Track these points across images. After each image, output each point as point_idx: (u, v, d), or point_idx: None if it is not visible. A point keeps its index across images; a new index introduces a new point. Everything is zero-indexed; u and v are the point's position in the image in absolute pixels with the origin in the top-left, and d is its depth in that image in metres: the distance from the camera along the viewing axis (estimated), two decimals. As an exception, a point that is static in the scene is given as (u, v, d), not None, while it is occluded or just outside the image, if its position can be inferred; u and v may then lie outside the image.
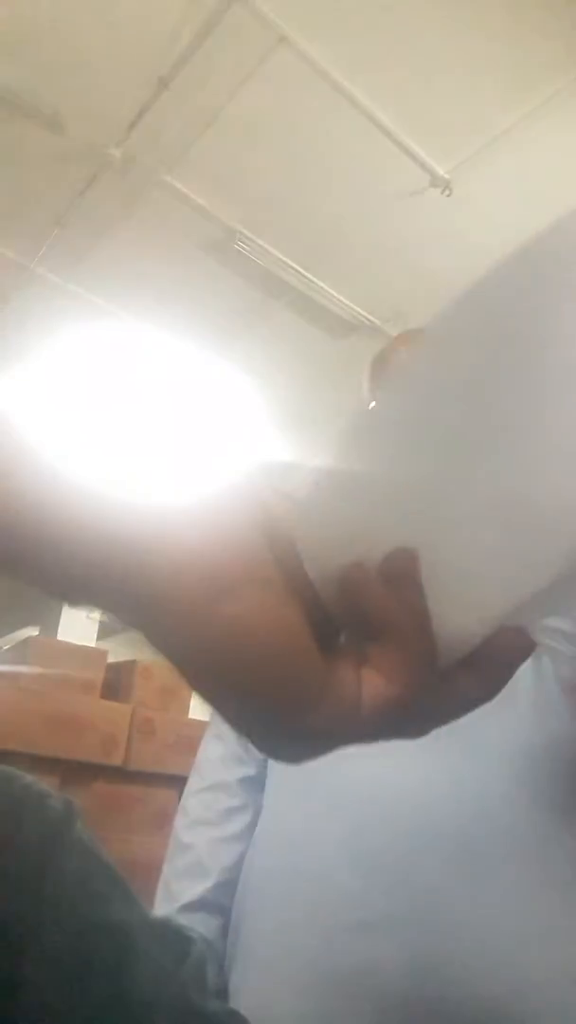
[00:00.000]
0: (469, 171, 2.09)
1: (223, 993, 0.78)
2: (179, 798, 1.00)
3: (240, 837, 0.91)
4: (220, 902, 0.88)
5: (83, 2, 1.71)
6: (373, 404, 0.38)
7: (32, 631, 5.63)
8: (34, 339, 2.93)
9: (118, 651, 3.73)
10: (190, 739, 1.94)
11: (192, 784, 0.97)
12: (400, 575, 0.31)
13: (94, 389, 3.22)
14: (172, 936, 0.47)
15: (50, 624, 5.39)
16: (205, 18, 1.72)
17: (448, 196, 2.14)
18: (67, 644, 2.99)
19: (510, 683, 0.32)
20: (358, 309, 2.69)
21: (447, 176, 2.10)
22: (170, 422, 3.42)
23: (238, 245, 2.40)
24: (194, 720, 2.36)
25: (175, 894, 0.89)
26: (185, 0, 1.69)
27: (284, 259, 2.48)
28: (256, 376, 3.07)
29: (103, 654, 2.64)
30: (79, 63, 1.86)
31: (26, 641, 2.94)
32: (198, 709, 2.34)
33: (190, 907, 0.89)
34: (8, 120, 1.99)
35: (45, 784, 0.50)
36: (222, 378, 3.12)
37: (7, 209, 2.35)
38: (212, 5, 1.69)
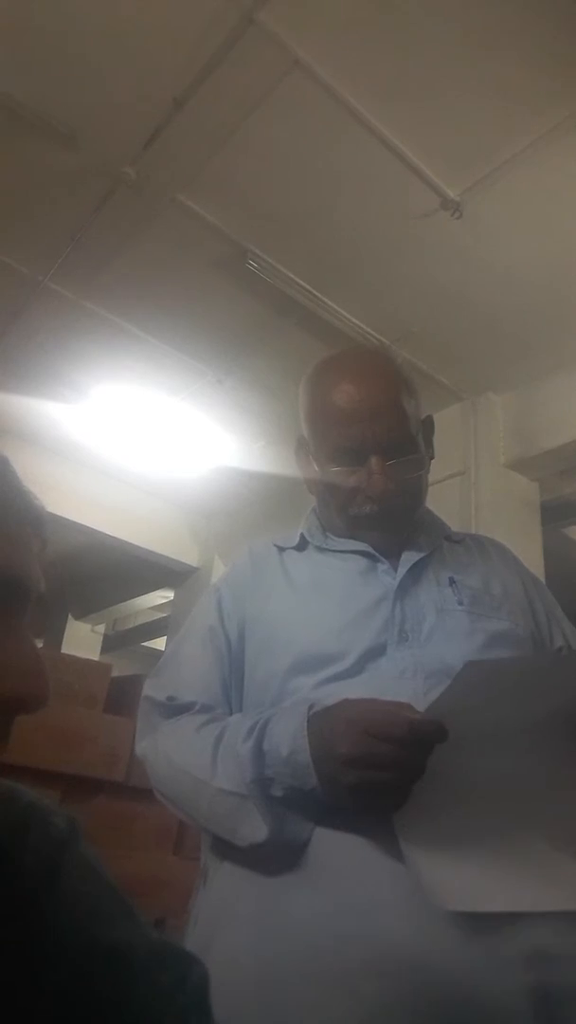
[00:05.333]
0: (479, 194, 2.11)
1: None
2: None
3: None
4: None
5: (100, 23, 1.74)
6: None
7: (36, 644, 5.62)
8: (45, 353, 2.95)
9: (122, 665, 3.73)
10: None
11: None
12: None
13: (105, 404, 3.24)
14: (173, 958, 0.47)
15: (55, 637, 5.39)
16: (220, 41, 1.75)
17: (458, 218, 2.16)
18: (71, 657, 2.98)
19: None
20: (368, 329, 2.70)
21: (457, 199, 2.12)
22: (176, 437, 3.44)
23: (249, 264, 2.42)
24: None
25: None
26: (201, 23, 1.72)
27: (294, 278, 2.49)
28: (266, 393, 3.09)
29: (107, 668, 2.63)
30: (95, 83, 1.88)
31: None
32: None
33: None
34: (24, 137, 2.02)
35: (47, 800, 0.50)
36: (230, 395, 3.14)
37: (22, 225, 2.38)
38: (227, 28, 1.72)
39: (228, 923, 0.82)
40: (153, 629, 5.64)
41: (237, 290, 2.57)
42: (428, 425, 1.10)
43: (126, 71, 1.85)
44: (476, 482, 2.88)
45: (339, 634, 0.94)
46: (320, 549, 1.08)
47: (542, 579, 2.54)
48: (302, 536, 1.10)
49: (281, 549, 1.10)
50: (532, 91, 1.83)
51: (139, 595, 4.93)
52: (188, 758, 0.88)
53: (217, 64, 1.80)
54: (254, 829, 0.79)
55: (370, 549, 1.04)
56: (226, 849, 0.86)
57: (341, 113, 1.89)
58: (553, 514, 3.04)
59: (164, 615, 5.27)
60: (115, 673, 2.60)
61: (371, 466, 0.99)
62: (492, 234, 2.26)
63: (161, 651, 4.04)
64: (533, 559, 2.72)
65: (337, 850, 0.80)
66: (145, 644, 5.82)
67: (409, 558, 1.03)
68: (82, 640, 5.41)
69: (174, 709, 0.96)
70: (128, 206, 2.24)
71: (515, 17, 1.67)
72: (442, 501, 2.78)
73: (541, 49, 1.74)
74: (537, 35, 1.70)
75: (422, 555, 1.04)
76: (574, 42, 1.71)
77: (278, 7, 1.67)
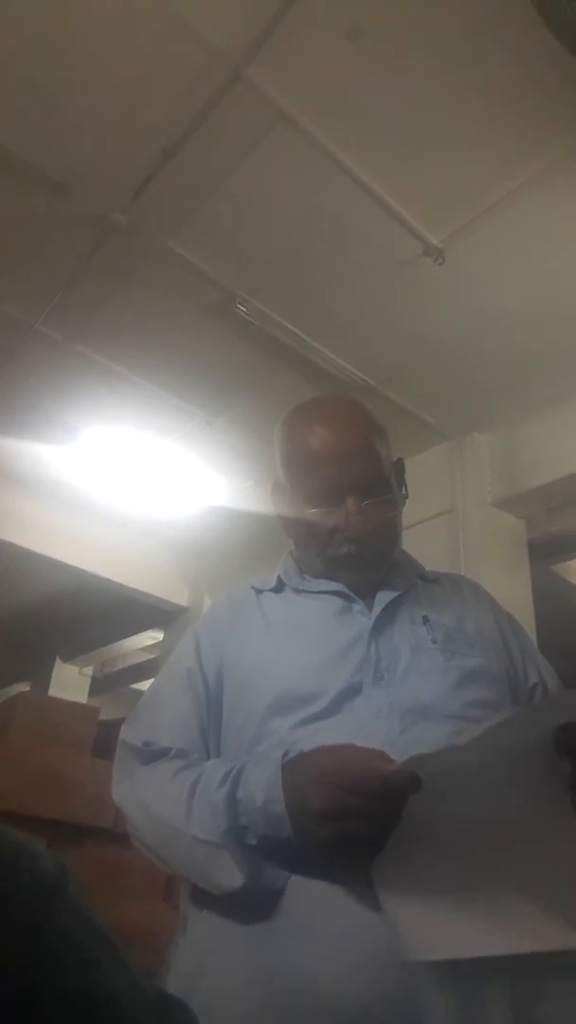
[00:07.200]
0: (461, 240, 2.16)
1: None
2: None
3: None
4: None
5: (93, 77, 1.80)
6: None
7: (24, 687, 5.55)
8: (37, 395, 2.97)
9: (110, 708, 3.68)
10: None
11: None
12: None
13: (96, 445, 3.25)
14: (164, 1006, 0.46)
15: (42, 679, 5.32)
16: (209, 95, 1.81)
17: (440, 264, 2.21)
18: (58, 700, 2.95)
19: None
20: (355, 371, 2.74)
21: (440, 245, 2.18)
22: (166, 478, 3.45)
23: (238, 308, 2.46)
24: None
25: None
26: (190, 78, 1.78)
27: (283, 322, 2.54)
28: (255, 434, 3.11)
29: (95, 711, 2.61)
30: (88, 134, 1.94)
31: (16, 697, 2.90)
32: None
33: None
34: (18, 186, 2.07)
35: (35, 843, 0.50)
36: (220, 437, 3.17)
37: (15, 270, 2.41)
38: (216, 83, 1.78)
39: (208, 971, 0.81)
40: (142, 671, 5.58)
41: (226, 334, 2.61)
42: (400, 467, 1.13)
43: (118, 123, 1.90)
44: (463, 520, 2.90)
45: (315, 674, 0.94)
46: (297, 590, 1.09)
47: (531, 615, 2.56)
48: (279, 578, 1.11)
49: (259, 591, 1.11)
50: (513, 140, 1.89)
51: (128, 636, 4.89)
52: (164, 806, 0.87)
53: (206, 117, 1.85)
54: (229, 877, 0.79)
55: (345, 589, 1.04)
56: (204, 897, 0.85)
57: (326, 163, 1.95)
58: (541, 551, 3.06)
59: (153, 656, 5.22)
60: (103, 716, 2.57)
61: (348, 507, 1.01)
62: (474, 279, 2.31)
63: (150, 693, 3.98)
64: (521, 596, 2.72)
65: (313, 896, 0.79)
66: (134, 686, 5.75)
67: (384, 598, 1.04)
68: (70, 683, 5.34)
69: (150, 755, 0.95)
70: (119, 252, 2.28)
71: (496, 67, 1.73)
72: (430, 539, 2.79)
73: (521, 98, 1.80)
74: (517, 84, 1.77)
75: (396, 594, 1.05)
76: (554, 91, 1.77)
77: (264, 63, 1.73)
